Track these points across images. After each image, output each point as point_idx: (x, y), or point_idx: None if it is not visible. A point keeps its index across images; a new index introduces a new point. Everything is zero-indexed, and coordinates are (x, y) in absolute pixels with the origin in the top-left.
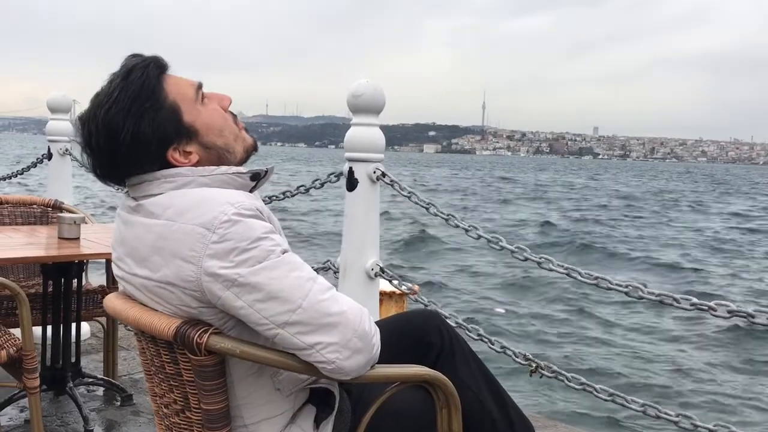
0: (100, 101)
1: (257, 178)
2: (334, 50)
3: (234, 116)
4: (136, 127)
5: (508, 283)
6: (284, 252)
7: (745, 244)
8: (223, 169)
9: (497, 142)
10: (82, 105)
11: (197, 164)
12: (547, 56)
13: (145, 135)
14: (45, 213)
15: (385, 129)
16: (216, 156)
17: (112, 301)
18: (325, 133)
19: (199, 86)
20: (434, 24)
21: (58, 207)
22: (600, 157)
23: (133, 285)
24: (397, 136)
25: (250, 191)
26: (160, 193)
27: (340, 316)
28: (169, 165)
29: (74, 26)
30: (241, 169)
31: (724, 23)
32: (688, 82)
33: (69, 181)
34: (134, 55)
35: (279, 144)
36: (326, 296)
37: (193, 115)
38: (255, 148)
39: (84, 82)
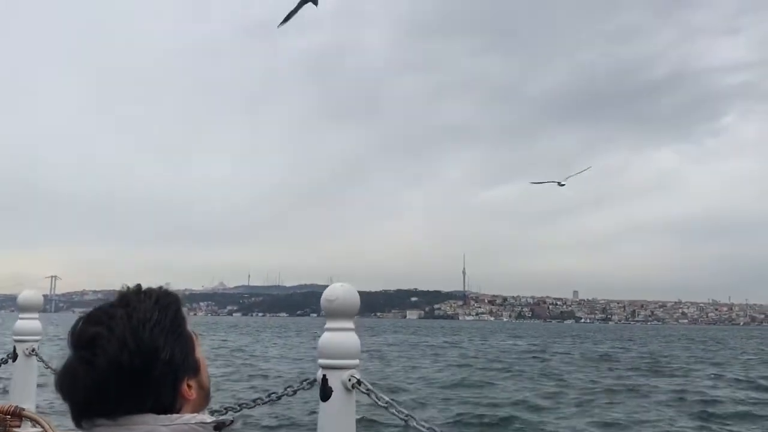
0: (140, 319)
1: (221, 427)
2: (315, 220)
3: None
4: (172, 350)
5: None
6: None
7: None
8: (186, 417)
9: (479, 307)
10: (63, 280)
11: (193, 403)
12: (522, 222)
13: (177, 359)
14: (3, 421)
15: (368, 295)
16: (203, 398)
17: None
18: (307, 301)
19: None
20: (412, 195)
21: (18, 414)
22: (582, 321)
23: None
24: (380, 302)
25: None
26: None
27: None
28: (180, 397)
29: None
30: (206, 418)
31: (687, 191)
32: (660, 246)
33: (34, 384)
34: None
35: (260, 314)
36: None
37: (199, 351)
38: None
39: (65, 259)
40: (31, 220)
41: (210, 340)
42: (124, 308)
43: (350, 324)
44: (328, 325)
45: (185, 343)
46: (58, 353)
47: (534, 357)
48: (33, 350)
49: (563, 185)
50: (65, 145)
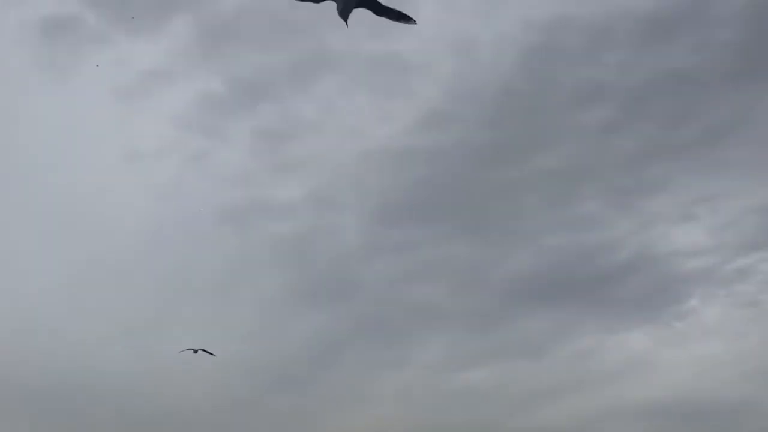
0: None
1: None
2: (284, 405)
3: None
4: None
5: None
6: None
7: None
8: None
9: None
10: None
11: None
12: (501, 405)
13: None
14: None
15: None
16: None
17: None
18: None
19: None
20: (385, 379)
21: None
22: None
23: None
24: None
25: None
26: None
27: None
28: None
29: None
30: None
31: (659, 375)
32: (639, 426)
33: None
34: None
35: None
36: None
37: None
38: None
39: None
40: None
41: None
42: None
43: None
44: None
45: None
46: None
47: None
48: None
49: None
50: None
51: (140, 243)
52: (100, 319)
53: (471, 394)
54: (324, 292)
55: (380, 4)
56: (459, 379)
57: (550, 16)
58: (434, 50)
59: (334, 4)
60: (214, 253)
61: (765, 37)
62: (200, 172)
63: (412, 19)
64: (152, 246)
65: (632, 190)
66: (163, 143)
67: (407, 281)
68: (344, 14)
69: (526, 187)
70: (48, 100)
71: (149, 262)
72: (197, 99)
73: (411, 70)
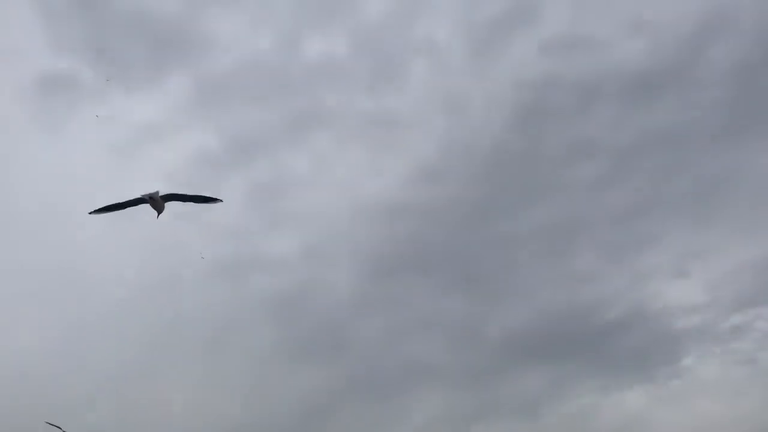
0: None
1: None
2: None
3: None
4: None
5: None
6: None
7: None
8: None
9: None
10: None
11: None
12: None
13: None
14: None
15: None
16: None
17: None
18: None
19: None
20: None
21: None
22: None
23: None
24: None
25: None
26: None
27: None
28: None
29: None
30: None
31: None
32: None
33: None
34: None
35: None
36: None
37: None
38: None
39: None
40: None
41: None
42: None
43: None
44: None
45: None
46: None
47: None
48: None
49: None
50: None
51: (132, 297)
52: (90, 374)
53: None
54: (317, 348)
55: (187, 195)
56: None
57: (541, 74)
58: (427, 108)
59: None
60: (206, 307)
61: (753, 95)
62: (193, 226)
63: (219, 199)
64: (143, 300)
65: (625, 245)
66: None
67: (401, 337)
68: (159, 210)
69: (520, 242)
70: (43, 155)
71: (140, 316)
72: (191, 154)
73: (404, 127)
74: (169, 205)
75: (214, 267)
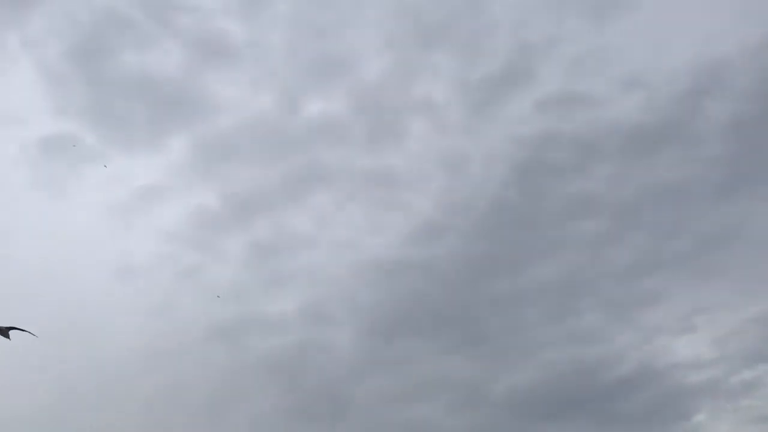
0: None
1: None
2: None
3: None
4: None
5: None
6: None
7: None
8: None
9: None
10: None
11: None
12: None
13: None
14: None
15: None
16: None
17: None
18: None
19: None
20: None
21: None
22: None
23: None
24: None
25: None
26: None
27: None
28: None
29: None
30: None
31: None
32: None
33: None
34: None
35: None
36: None
37: None
38: None
39: None
40: None
41: None
42: None
43: None
44: None
45: None
46: None
47: None
48: None
49: None
50: None
51: (132, 358)
52: None
53: None
54: (317, 409)
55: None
56: None
57: (538, 131)
58: (426, 165)
59: None
60: (206, 368)
61: (750, 151)
62: (193, 287)
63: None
64: (144, 361)
65: (629, 302)
66: (156, 258)
67: (403, 398)
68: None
69: (522, 300)
70: (45, 216)
71: (140, 377)
72: (191, 214)
73: (404, 185)
74: (171, 263)
75: (214, 328)
